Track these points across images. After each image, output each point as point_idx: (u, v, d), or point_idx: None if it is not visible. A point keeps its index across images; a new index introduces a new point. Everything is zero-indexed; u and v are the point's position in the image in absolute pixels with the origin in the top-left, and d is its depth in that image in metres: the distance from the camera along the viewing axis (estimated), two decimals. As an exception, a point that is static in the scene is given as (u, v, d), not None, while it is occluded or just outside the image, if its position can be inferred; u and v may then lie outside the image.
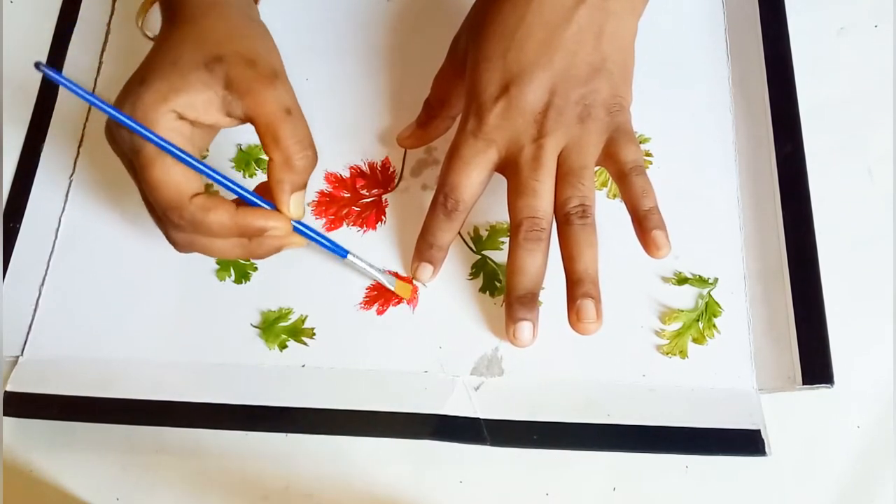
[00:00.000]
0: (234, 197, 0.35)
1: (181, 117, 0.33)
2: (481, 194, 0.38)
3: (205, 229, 0.34)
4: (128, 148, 0.33)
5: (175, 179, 0.33)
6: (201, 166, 0.33)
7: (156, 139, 0.32)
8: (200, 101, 0.33)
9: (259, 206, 0.35)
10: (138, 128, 0.32)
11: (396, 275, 0.41)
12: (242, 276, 0.41)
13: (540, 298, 0.40)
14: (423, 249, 0.40)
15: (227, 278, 0.41)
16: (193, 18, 0.35)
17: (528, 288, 0.37)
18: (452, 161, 0.37)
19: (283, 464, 0.39)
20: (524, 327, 0.37)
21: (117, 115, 0.32)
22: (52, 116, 0.45)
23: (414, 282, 0.41)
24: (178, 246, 0.35)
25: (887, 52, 0.47)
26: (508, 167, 0.37)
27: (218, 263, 0.41)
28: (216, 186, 0.34)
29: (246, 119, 0.34)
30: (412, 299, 0.40)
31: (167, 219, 0.34)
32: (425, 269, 0.40)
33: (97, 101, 0.31)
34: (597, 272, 0.36)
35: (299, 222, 0.36)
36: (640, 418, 0.37)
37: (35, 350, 0.40)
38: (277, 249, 0.36)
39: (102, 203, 0.43)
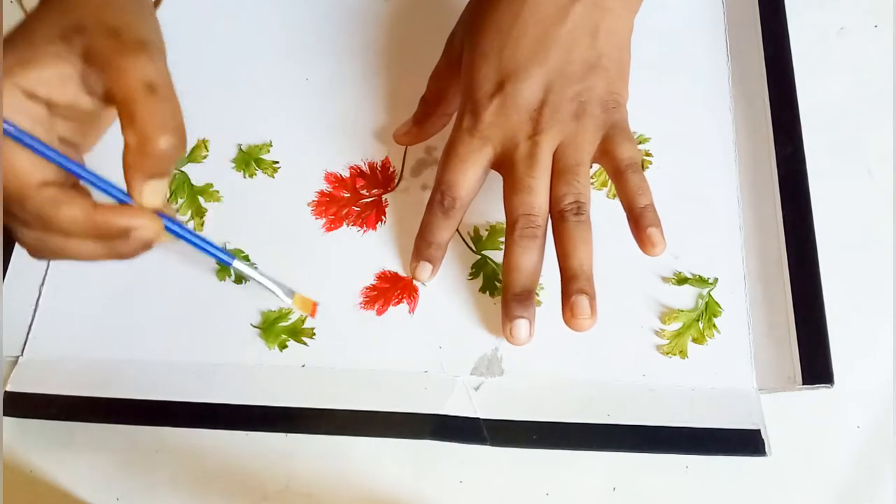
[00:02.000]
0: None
1: (31, 96, 0.29)
2: (478, 191, 0.38)
3: (56, 227, 0.30)
4: None
5: (18, 166, 0.29)
6: (48, 151, 0.29)
7: None
8: (53, 77, 0.29)
9: (123, 201, 0.30)
10: None
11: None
12: (243, 276, 0.41)
13: (539, 298, 0.40)
14: (421, 248, 0.40)
15: (226, 278, 0.41)
16: None
17: (524, 285, 0.37)
18: (449, 159, 0.37)
19: (283, 464, 0.39)
20: (521, 325, 0.37)
21: None
22: (52, 116, 0.45)
23: (414, 282, 0.41)
24: (29, 249, 0.31)
25: (887, 53, 0.47)
26: (504, 164, 0.37)
27: (218, 263, 0.41)
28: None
29: (107, 97, 0.30)
30: (314, 312, 0.39)
31: (10, 214, 0.30)
32: (424, 268, 0.40)
33: None
34: (591, 268, 0.36)
35: (175, 222, 0.32)
36: (640, 418, 0.37)
37: (35, 350, 0.40)
38: (147, 247, 0.31)
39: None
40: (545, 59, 0.36)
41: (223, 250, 0.34)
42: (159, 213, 0.31)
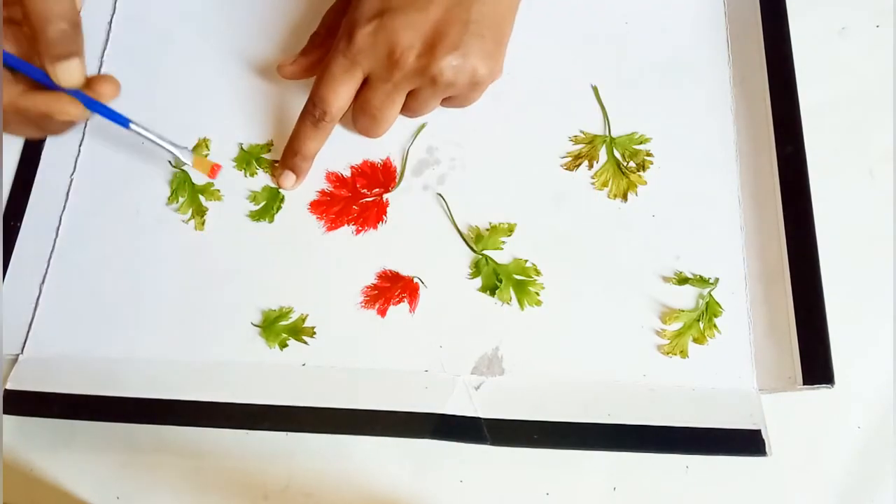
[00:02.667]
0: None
1: None
2: (349, 106, 0.41)
3: None
4: None
5: None
6: None
7: None
8: None
9: (51, 87, 0.35)
10: None
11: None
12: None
13: (540, 298, 0.40)
14: (288, 157, 0.42)
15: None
16: None
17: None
18: (323, 75, 0.40)
19: (283, 463, 0.39)
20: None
21: None
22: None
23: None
24: None
25: (888, 53, 0.47)
26: (366, 87, 0.40)
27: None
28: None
29: None
30: (213, 173, 0.41)
31: None
32: (288, 177, 0.42)
33: None
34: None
35: (78, 93, 0.36)
36: (641, 418, 0.37)
37: (35, 348, 0.40)
38: (70, 126, 0.39)
39: (103, 202, 0.43)
40: (425, 7, 0.37)
41: (120, 115, 0.38)
42: (76, 93, 0.36)
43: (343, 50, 0.39)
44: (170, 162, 0.44)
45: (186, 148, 0.40)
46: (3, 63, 0.35)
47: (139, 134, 0.39)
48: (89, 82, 0.36)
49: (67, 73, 0.35)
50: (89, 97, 0.36)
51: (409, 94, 0.40)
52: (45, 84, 0.36)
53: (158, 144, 0.39)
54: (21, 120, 0.36)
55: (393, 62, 0.38)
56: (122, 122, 0.38)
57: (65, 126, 0.38)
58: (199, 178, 0.43)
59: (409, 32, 0.37)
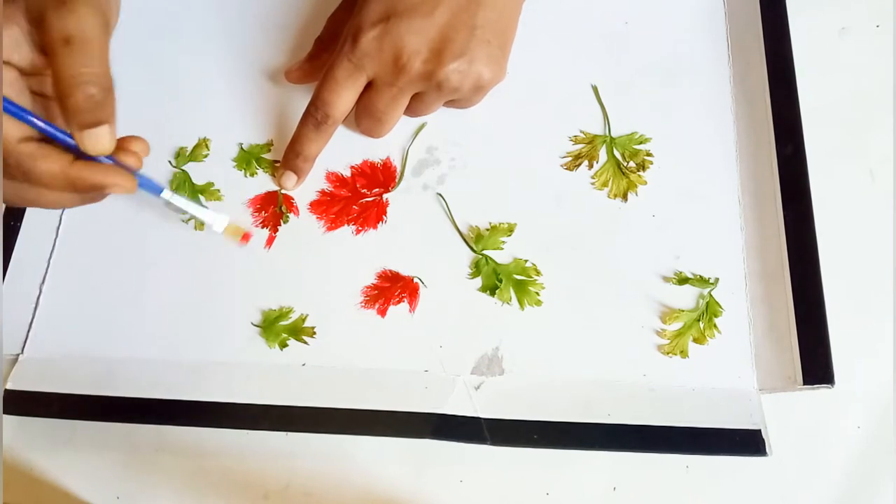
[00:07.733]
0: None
1: None
2: (350, 111, 0.41)
3: (34, 179, 0.32)
4: None
5: None
6: (21, 112, 0.31)
7: None
8: (8, 40, 0.31)
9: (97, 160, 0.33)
10: None
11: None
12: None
13: (540, 298, 0.40)
14: (290, 158, 0.42)
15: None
16: None
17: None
18: (326, 79, 0.39)
19: (283, 463, 0.39)
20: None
21: None
22: (52, 115, 0.45)
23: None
24: (5, 198, 0.33)
25: (888, 53, 0.47)
26: (370, 89, 0.40)
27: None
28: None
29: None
30: (245, 240, 0.40)
31: None
32: (290, 178, 0.42)
33: None
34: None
35: (110, 158, 0.33)
36: (641, 418, 0.37)
37: (35, 348, 0.40)
38: (106, 195, 0.35)
39: (102, 202, 0.43)
40: (431, 11, 0.37)
41: (155, 182, 0.36)
42: (112, 159, 0.33)
43: (347, 53, 0.38)
44: (170, 162, 0.44)
45: (220, 214, 0.39)
46: (43, 133, 0.32)
47: (169, 203, 0.37)
48: (120, 143, 0.34)
49: (95, 141, 0.32)
50: (124, 165, 0.33)
51: (413, 97, 0.40)
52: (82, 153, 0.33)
53: (190, 212, 0.38)
54: (66, 188, 0.33)
55: (399, 67, 0.38)
56: (156, 190, 0.36)
57: (103, 196, 0.35)
58: (199, 177, 0.43)
59: (415, 38, 0.37)
